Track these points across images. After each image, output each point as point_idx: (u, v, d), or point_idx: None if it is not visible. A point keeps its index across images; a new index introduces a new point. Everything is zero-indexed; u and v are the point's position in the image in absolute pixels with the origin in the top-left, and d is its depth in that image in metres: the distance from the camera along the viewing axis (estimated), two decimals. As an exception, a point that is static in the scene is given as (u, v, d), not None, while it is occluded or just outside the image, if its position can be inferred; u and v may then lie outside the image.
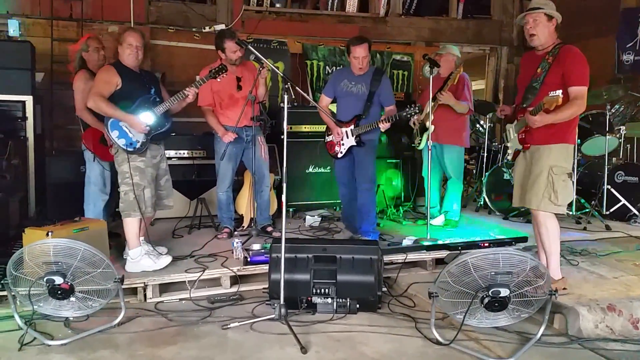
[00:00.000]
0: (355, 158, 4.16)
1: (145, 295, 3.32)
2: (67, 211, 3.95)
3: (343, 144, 4.16)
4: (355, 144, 4.08)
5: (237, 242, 3.76)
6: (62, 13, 5.62)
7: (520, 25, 3.27)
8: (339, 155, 4.21)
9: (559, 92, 2.85)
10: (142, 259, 3.47)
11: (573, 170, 3.55)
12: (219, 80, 3.82)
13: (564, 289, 3.09)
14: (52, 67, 5.38)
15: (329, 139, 4.30)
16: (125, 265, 3.49)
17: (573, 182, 3.53)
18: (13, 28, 4.83)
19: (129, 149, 3.44)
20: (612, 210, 5.00)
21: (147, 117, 3.48)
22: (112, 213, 4.31)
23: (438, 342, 2.72)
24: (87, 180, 4.02)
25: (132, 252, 3.48)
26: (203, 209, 4.77)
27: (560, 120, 3.00)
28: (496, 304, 2.58)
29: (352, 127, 4.08)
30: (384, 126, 3.90)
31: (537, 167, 3.11)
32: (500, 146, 5.84)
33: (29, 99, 4.35)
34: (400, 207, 5.38)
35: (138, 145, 3.46)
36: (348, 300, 3.12)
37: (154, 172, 3.59)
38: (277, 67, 5.07)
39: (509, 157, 3.43)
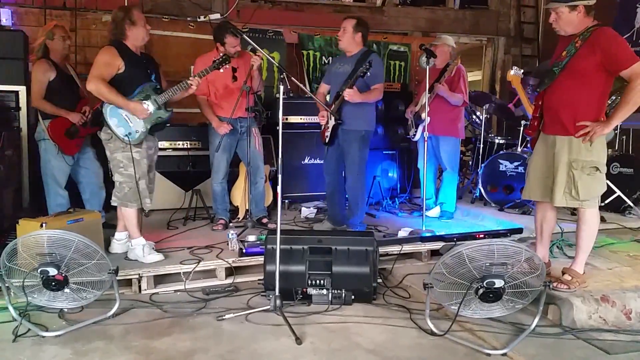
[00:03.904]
0: (343, 149, 4.09)
1: (140, 287, 3.31)
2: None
3: (328, 127, 4.12)
4: (334, 123, 4.02)
5: (232, 234, 3.75)
6: (55, 2, 5.55)
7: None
8: (327, 140, 4.16)
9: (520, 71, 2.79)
10: (137, 248, 3.47)
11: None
12: (222, 71, 3.75)
13: (584, 282, 3.06)
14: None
15: (322, 126, 4.28)
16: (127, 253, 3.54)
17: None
18: (5, 17, 4.77)
19: (125, 140, 3.34)
20: (607, 201, 5.00)
21: (148, 107, 3.37)
22: (106, 204, 4.28)
23: (433, 333, 2.73)
24: (44, 173, 3.97)
25: (134, 241, 3.49)
26: (198, 200, 4.76)
27: (636, 106, 2.78)
28: (491, 295, 2.59)
29: (330, 110, 4.04)
30: (347, 94, 3.80)
31: (556, 161, 2.98)
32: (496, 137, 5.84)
33: (22, 89, 4.29)
34: (396, 199, 5.38)
35: (137, 136, 3.37)
36: (343, 291, 3.13)
37: (148, 163, 3.53)
38: (273, 57, 5.05)
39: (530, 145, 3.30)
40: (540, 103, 3.09)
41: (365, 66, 3.72)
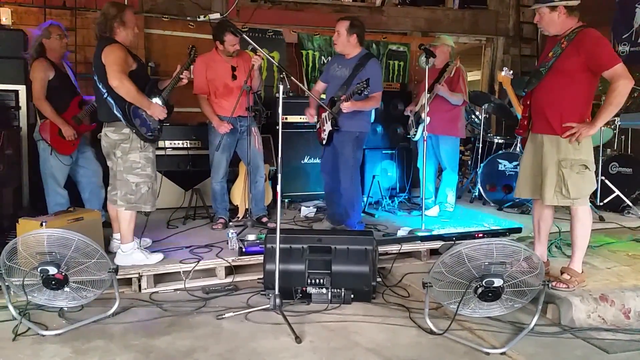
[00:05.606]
0: (337, 149, 4.05)
1: (139, 286, 3.32)
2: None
3: (324, 130, 4.10)
4: (331, 128, 3.99)
5: (232, 233, 3.75)
6: (55, 1, 5.54)
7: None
8: (323, 142, 4.15)
9: None
10: (134, 252, 3.39)
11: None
12: (191, 67, 3.76)
13: (583, 281, 3.08)
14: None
15: (318, 125, 4.27)
16: (115, 258, 3.37)
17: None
18: (5, 16, 4.77)
19: (150, 137, 3.31)
20: (606, 201, 5.02)
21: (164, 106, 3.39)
22: (106, 203, 4.29)
23: (432, 332, 2.74)
24: (43, 172, 3.96)
25: (125, 246, 3.39)
26: (198, 199, 4.76)
27: (618, 107, 2.84)
28: (490, 294, 2.59)
29: (328, 111, 3.98)
30: (344, 107, 3.74)
31: (545, 161, 3.00)
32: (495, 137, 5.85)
33: (22, 88, 4.29)
34: (395, 198, 5.39)
35: (155, 134, 3.37)
36: (342, 290, 3.13)
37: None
38: (273, 57, 5.05)
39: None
40: (528, 103, 3.14)
41: (362, 84, 3.65)
